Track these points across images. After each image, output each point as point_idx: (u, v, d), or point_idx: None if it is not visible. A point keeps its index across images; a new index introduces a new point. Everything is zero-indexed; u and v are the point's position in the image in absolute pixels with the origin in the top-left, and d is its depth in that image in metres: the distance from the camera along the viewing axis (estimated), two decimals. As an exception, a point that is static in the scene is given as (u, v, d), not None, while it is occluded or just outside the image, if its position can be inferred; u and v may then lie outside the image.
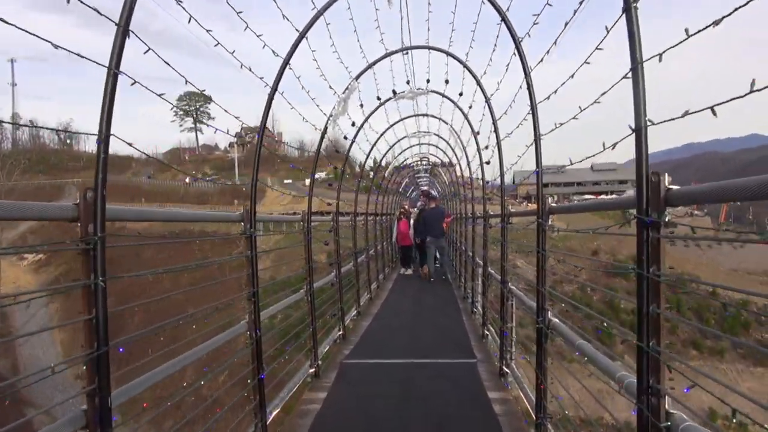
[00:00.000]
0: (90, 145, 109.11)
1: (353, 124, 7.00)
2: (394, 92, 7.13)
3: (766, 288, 34.94)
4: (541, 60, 3.56)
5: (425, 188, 24.04)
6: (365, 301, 10.47)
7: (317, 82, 5.28)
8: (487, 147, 6.75)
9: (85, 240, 2.08)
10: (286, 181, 63.40)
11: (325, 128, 6.10)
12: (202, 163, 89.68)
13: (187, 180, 72.96)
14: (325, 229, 8.00)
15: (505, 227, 5.55)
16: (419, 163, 16.95)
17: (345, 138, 7.63)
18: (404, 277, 14.86)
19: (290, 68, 4.36)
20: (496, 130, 5.72)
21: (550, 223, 3.78)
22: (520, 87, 4.03)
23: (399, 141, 11.52)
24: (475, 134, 7.59)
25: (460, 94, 6.95)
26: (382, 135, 9.61)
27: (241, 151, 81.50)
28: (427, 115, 9.81)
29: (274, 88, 4.20)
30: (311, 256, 6.02)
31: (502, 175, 6.05)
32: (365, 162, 10.34)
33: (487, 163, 7.27)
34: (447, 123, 9.57)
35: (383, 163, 12.34)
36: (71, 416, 2.09)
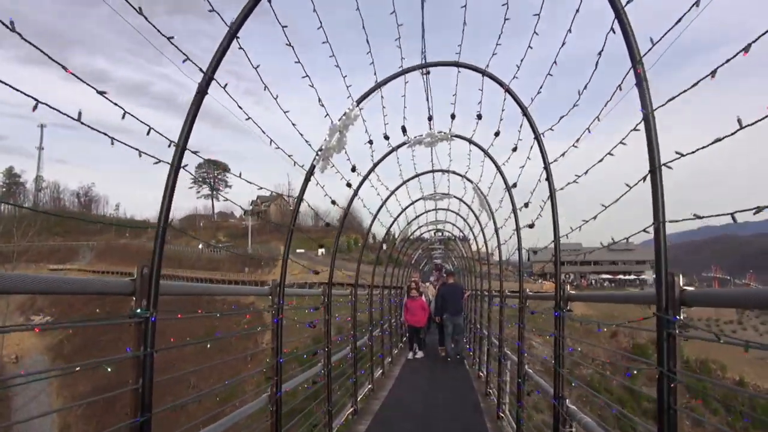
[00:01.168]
0: (108, 209, 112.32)
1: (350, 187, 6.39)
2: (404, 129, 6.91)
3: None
4: (562, 154, 3.93)
5: (438, 261, 24.33)
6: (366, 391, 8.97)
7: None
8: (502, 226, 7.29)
9: (139, 314, 2.32)
10: (298, 251, 64.62)
11: (351, 200, 6.55)
12: (216, 230, 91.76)
13: (200, 246, 74.55)
14: (344, 302, 8.24)
15: (503, 306, 7.15)
16: (434, 235, 16.66)
17: (365, 206, 7.53)
18: (413, 361, 12.80)
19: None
20: (516, 217, 5.98)
21: (569, 309, 3.92)
22: (539, 180, 4.36)
23: (417, 217, 11.74)
24: (492, 213, 7.67)
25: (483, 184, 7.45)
26: (403, 210, 9.66)
27: (254, 220, 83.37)
28: (447, 194, 10.35)
29: (310, 173, 4.53)
30: (330, 330, 6.36)
31: (520, 258, 6.23)
32: (386, 235, 10.32)
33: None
34: (467, 203, 10.19)
35: (396, 235, 12.04)
36: (262, 398, 3.84)
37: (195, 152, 2.69)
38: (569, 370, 3.78)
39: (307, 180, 4.45)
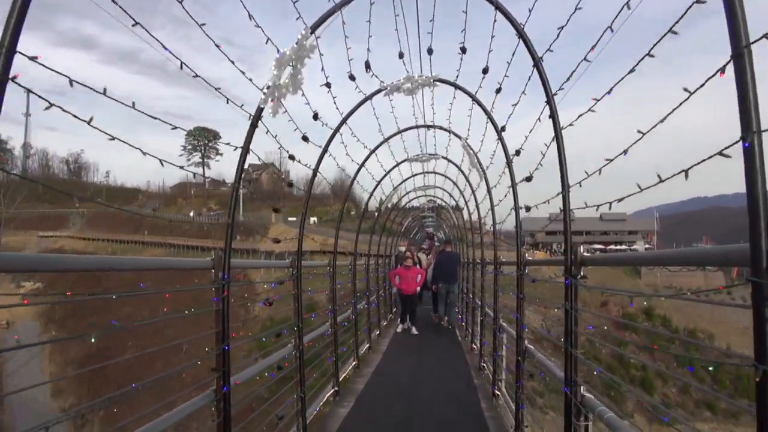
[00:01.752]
0: (98, 177, 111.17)
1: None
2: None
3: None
4: (571, 124, 3.32)
5: (430, 230, 24.17)
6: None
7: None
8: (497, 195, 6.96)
9: (217, 283, 3.31)
10: (290, 219, 64.33)
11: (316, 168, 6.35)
12: (208, 198, 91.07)
13: (192, 214, 74.12)
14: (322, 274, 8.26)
15: (497, 274, 6.57)
16: (426, 203, 16.57)
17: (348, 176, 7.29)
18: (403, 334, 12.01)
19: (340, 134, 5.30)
20: (514, 189, 5.62)
21: (582, 275, 3.24)
22: (545, 151, 3.67)
23: (404, 181, 11.09)
24: (484, 171, 7.11)
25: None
26: (387, 173, 9.16)
27: (246, 188, 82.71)
28: (435, 173, 10.55)
29: (325, 150, 5.15)
30: (336, 296, 7.01)
31: (517, 216, 5.33)
32: (368, 200, 9.61)
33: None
34: (454, 181, 10.25)
35: (385, 200, 11.47)
36: (206, 393, 3.24)
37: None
38: (583, 351, 3.16)
39: (252, 129, 3.55)
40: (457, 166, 8.68)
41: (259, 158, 3.66)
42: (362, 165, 7.01)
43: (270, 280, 5.42)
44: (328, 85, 4.09)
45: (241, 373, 3.79)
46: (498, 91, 4.35)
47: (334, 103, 4.68)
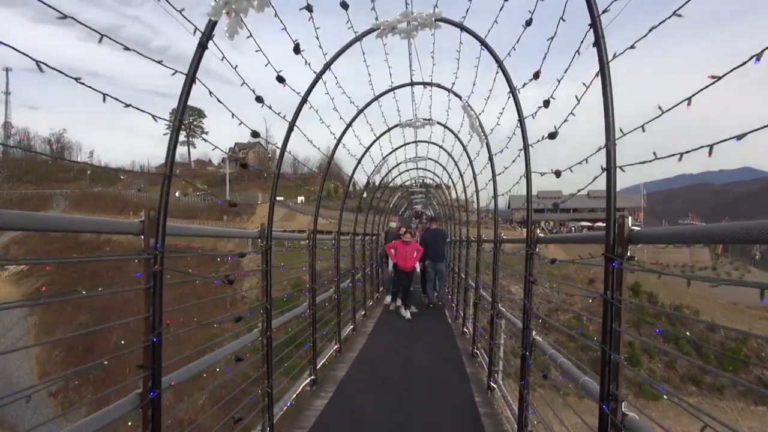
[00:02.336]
0: (82, 157, 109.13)
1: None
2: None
3: (764, 323, 35.22)
4: (534, 113, 3.80)
5: (419, 207, 23.71)
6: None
7: (323, 102, 5.32)
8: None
9: (148, 252, 2.50)
10: (278, 198, 63.41)
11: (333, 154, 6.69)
12: (194, 178, 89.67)
13: (177, 194, 72.81)
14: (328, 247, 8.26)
15: (497, 253, 5.88)
16: (415, 181, 16.41)
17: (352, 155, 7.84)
18: (391, 314, 11.47)
19: (310, 104, 4.68)
20: (492, 165, 5.99)
21: (538, 251, 4.08)
22: (515, 132, 4.27)
23: (395, 150, 11.25)
24: (485, 135, 7.57)
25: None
26: (368, 148, 8.93)
27: (233, 168, 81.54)
28: (428, 142, 10.03)
29: (292, 124, 4.57)
30: (315, 273, 6.18)
31: (495, 206, 6.27)
32: (352, 175, 9.33)
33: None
34: (448, 151, 9.66)
35: (373, 171, 11.85)
36: (129, 398, 2.47)
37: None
38: (548, 314, 3.10)
39: (290, 130, 4.52)
40: (453, 132, 8.08)
41: (210, 93, 2.98)
42: (349, 125, 6.51)
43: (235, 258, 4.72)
44: (309, 8, 3.47)
45: (180, 369, 2.99)
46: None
47: (317, 39, 4.05)
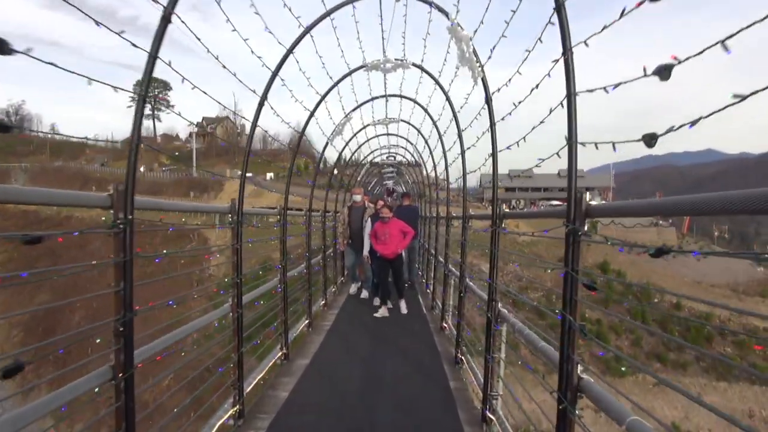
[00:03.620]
0: (42, 129, 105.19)
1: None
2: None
3: (728, 301, 36.62)
4: (499, 90, 3.92)
5: (389, 183, 23.55)
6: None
7: (295, 78, 5.30)
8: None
9: (119, 223, 2.45)
10: (248, 175, 62.39)
11: (304, 129, 6.53)
12: (159, 152, 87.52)
13: (142, 169, 71.14)
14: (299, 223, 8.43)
15: (465, 229, 6.01)
16: (386, 158, 16.12)
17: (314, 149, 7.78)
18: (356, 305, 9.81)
19: (281, 78, 4.63)
20: (460, 139, 6.01)
21: (503, 226, 4.22)
22: (482, 109, 4.36)
23: (369, 140, 11.53)
24: (441, 136, 7.80)
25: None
26: (345, 119, 8.87)
27: (201, 142, 79.95)
28: (397, 120, 9.86)
29: (263, 99, 4.52)
30: (286, 249, 6.15)
31: (464, 183, 6.43)
32: (323, 152, 9.31)
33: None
34: (417, 128, 9.62)
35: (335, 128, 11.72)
36: (101, 370, 2.44)
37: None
38: (507, 284, 3.22)
39: (261, 105, 4.49)
40: (423, 107, 7.98)
41: (173, 69, 2.86)
42: (322, 98, 6.47)
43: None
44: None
45: (152, 343, 2.96)
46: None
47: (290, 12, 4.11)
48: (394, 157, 15.61)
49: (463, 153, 6.04)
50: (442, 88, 6.07)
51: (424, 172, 13.04)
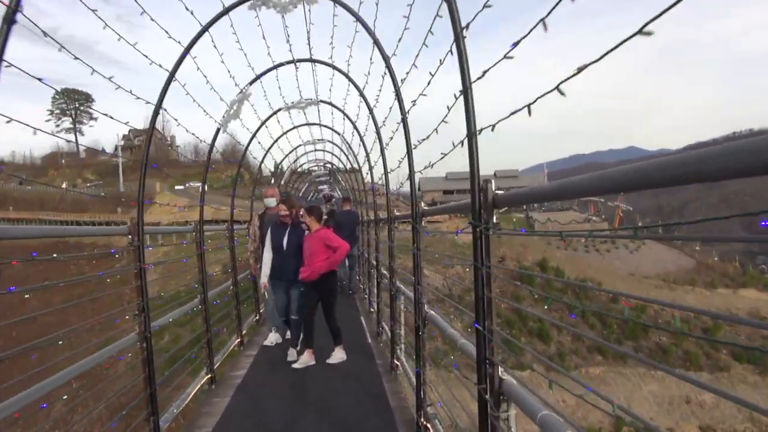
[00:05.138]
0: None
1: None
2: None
3: (660, 291, 38.35)
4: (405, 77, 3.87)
5: (325, 189, 23.19)
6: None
7: (206, 88, 5.32)
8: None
9: (134, 244, 2.92)
10: (177, 188, 60.33)
11: (216, 135, 6.02)
12: (83, 168, 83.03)
13: (64, 185, 67.26)
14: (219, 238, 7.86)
15: (392, 230, 5.87)
16: (319, 168, 16.19)
17: (239, 144, 7.66)
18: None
19: (176, 80, 4.30)
20: (379, 137, 5.88)
21: (424, 224, 4.14)
22: (393, 102, 4.26)
23: (295, 148, 11.32)
24: (362, 137, 7.68)
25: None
26: (275, 142, 9.36)
27: (128, 155, 76.54)
28: (320, 125, 9.75)
29: (159, 103, 4.19)
30: (205, 265, 5.77)
31: (387, 182, 6.14)
32: (260, 164, 9.51)
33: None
34: (339, 133, 9.47)
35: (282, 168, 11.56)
36: (130, 336, 3.12)
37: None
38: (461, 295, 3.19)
39: (155, 113, 4.21)
40: (340, 109, 7.76)
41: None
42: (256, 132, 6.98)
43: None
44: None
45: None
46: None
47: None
48: (331, 165, 15.38)
49: (383, 152, 5.93)
50: (357, 86, 6.02)
51: (361, 178, 12.63)
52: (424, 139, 3.46)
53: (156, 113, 4.14)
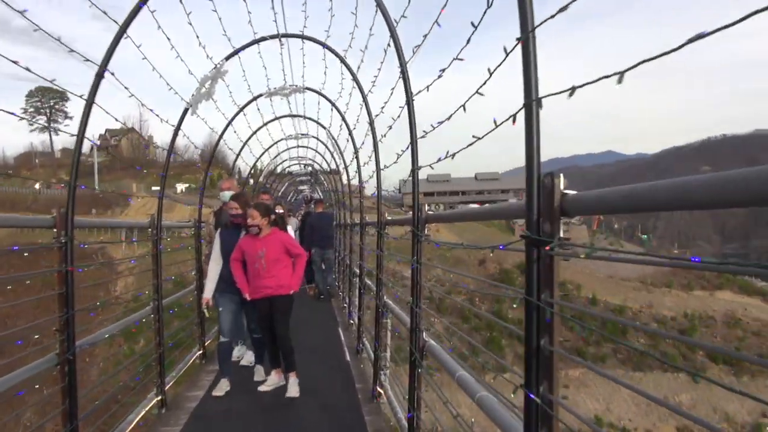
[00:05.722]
0: None
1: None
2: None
3: (639, 293, 38.24)
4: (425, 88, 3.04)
5: (306, 190, 22.49)
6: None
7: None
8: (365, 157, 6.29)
9: (59, 240, 2.99)
10: (154, 188, 58.94)
11: (182, 117, 5.09)
12: (58, 168, 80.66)
13: (37, 186, 65.22)
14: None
15: (382, 236, 4.93)
16: (300, 167, 15.71)
17: (213, 131, 6.91)
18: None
19: (128, 37, 3.42)
20: (373, 133, 5.09)
21: (427, 232, 3.26)
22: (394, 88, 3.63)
23: (276, 143, 10.58)
24: (350, 131, 6.90)
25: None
26: (254, 133, 8.64)
27: (105, 155, 74.73)
28: (305, 117, 9.00)
29: (91, 100, 3.31)
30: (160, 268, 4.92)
31: (378, 183, 5.37)
32: (235, 161, 8.83)
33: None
34: (325, 127, 8.75)
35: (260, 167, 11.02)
36: (47, 358, 2.83)
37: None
38: (440, 297, 3.10)
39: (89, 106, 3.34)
40: (331, 101, 6.97)
41: None
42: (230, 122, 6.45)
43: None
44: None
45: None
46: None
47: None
48: (312, 165, 14.98)
49: (375, 147, 5.12)
50: (349, 67, 5.34)
51: (345, 179, 11.97)
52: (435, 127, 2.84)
53: (88, 107, 3.24)
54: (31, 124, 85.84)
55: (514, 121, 1.62)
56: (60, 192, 65.06)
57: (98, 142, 75.49)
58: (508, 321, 32.82)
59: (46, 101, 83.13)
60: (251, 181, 11.92)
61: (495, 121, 1.81)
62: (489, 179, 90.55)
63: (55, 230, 3.03)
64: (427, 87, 2.77)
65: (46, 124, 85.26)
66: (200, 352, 6.39)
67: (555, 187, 1.52)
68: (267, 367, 5.43)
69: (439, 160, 2.53)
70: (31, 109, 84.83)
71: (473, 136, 2.16)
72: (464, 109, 2.22)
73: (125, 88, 3.63)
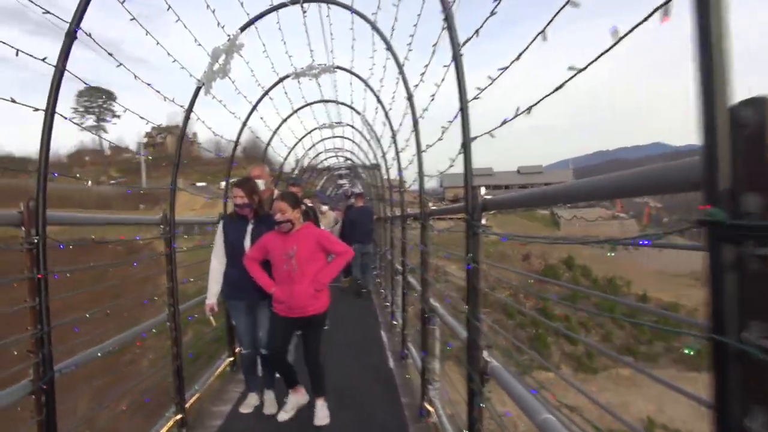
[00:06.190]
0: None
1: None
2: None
3: (693, 289, 36.25)
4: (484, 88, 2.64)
5: (346, 186, 22.01)
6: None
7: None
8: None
9: (29, 241, 2.46)
10: (199, 184, 59.99)
11: (195, 95, 4.62)
12: (108, 165, 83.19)
13: (89, 183, 67.25)
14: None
15: (426, 228, 4.25)
16: (338, 158, 15.35)
17: (258, 138, 7.35)
18: None
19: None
20: (413, 109, 4.58)
21: (484, 222, 2.57)
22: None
23: (310, 132, 10.37)
24: (387, 114, 6.59)
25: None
26: (284, 121, 8.33)
27: (152, 152, 76.65)
28: (337, 102, 8.67)
29: (189, 109, 4.21)
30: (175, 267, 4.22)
31: (420, 167, 4.60)
32: (265, 150, 8.35)
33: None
34: (359, 112, 8.50)
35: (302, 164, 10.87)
36: (20, 385, 2.38)
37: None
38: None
39: (187, 118, 4.34)
40: (363, 80, 6.59)
41: None
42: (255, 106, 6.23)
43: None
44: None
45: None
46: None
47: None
48: (350, 159, 14.85)
49: (415, 123, 4.50)
50: (383, 35, 4.83)
51: (385, 174, 11.53)
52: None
53: (186, 119, 4.18)
54: (81, 124, 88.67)
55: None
56: (112, 188, 67.10)
57: (145, 139, 77.51)
58: (554, 319, 32.06)
59: (95, 101, 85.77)
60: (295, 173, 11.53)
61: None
62: (532, 173, 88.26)
63: (22, 229, 2.43)
64: (476, 30, 2.36)
65: (96, 123, 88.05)
66: (230, 358, 5.79)
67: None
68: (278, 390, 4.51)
69: (504, 121, 1.94)
70: (81, 109, 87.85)
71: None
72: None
73: (106, 52, 3.08)
